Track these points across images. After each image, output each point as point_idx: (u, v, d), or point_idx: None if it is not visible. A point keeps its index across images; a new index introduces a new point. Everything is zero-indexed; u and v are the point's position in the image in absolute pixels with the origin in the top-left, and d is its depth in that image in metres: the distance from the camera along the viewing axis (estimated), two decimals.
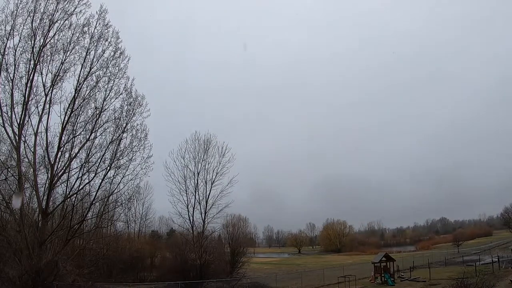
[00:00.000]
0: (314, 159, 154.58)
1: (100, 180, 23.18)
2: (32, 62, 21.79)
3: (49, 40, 22.20)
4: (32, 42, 21.79)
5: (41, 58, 21.97)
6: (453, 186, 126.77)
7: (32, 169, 22.14)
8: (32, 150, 21.78)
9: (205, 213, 36.57)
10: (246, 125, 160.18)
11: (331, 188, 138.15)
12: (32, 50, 21.79)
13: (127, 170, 23.97)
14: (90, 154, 23.03)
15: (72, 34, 22.64)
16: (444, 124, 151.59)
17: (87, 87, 23.18)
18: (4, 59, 21.45)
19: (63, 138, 22.43)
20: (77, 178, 22.67)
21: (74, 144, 22.79)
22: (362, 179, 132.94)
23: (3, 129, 21.62)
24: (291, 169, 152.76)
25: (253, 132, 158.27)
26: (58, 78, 22.33)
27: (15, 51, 21.61)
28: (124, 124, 23.99)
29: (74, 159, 22.82)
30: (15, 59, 21.59)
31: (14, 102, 21.48)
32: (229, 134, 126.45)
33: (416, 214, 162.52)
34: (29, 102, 21.78)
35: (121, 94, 23.98)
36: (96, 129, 23.24)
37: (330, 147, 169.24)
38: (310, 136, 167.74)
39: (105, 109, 23.57)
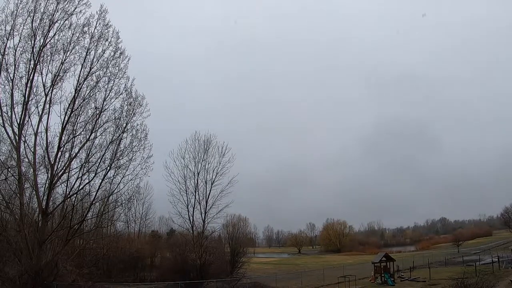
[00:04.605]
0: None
1: (100, 180, 23.22)
2: (32, 62, 21.81)
3: (49, 40, 22.25)
4: (32, 42, 21.82)
5: (41, 58, 22.00)
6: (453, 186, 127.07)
7: (32, 169, 22.16)
8: (32, 150, 21.81)
9: (205, 213, 36.50)
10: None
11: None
12: (32, 50, 21.82)
13: (127, 170, 24.03)
14: (90, 154, 23.04)
15: (72, 34, 22.69)
16: None
17: (87, 87, 23.22)
18: (4, 59, 21.49)
19: (63, 138, 22.44)
20: (77, 178, 22.70)
21: (74, 144, 22.84)
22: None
23: (3, 129, 21.70)
24: None
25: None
26: (58, 78, 22.36)
27: (15, 51, 21.66)
28: (124, 124, 24.02)
29: (74, 159, 22.88)
30: (15, 59, 21.63)
31: (14, 102, 21.57)
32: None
33: (416, 214, 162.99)
34: (29, 102, 21.83)
35: (121, 94, 24.03)
36: (96, 129, 23.26)
37: None
38: None
39: (105, 109, 23.63)
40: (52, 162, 22.06)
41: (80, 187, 22.84)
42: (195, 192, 36.68)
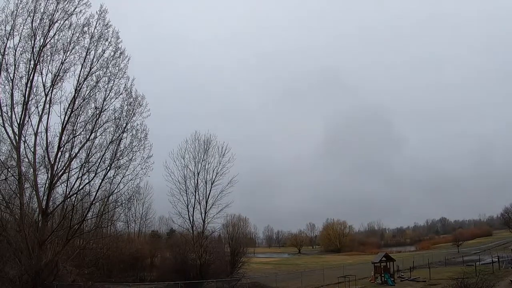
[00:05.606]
0: None
1: (100, 180, 23.16)
2: (32, 62, 21.77)
3: (49, 40, 22.18)
4: (32, 42, 21.77)
5: (41, 58, 21.95)
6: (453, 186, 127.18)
7: (32, 169, 22.12)
8: (32, 150, 21.77)
9: (205, 213, 36.54)
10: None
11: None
12: (32, 50, 21.78)
13: (127, 170, 23.95)
14: (90, 154, 22.98)
15: (72, 34, 22.63)
16: None
17: (87, 87, 23.16)
18: (4, 59, 21.44)
19: (63, 138, 22.40)
20: (77, 178, 22.64)
21: (74, 144, 22.77)
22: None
23: (3, 129, 21.63)
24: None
25: None
26: (58, 78, 22.31)
27: (15, 51, 21.61)
28: (124, 124, 23.96)
29: (74, 159, 22.81)
30: (15, 59, 21.58)
31: (14, 102, 21.50)
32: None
33: (416, 214, 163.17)
34: (29, 102, 21.78)
35: (121, 94, 23.95)
36: (96, 129, 23.20)
37: None
38: None
39: (105, 109, 23.56)
40: (52, 162, 22.03)
41: (80, 187, 22.80)
42: (195, 192, 36.76)
